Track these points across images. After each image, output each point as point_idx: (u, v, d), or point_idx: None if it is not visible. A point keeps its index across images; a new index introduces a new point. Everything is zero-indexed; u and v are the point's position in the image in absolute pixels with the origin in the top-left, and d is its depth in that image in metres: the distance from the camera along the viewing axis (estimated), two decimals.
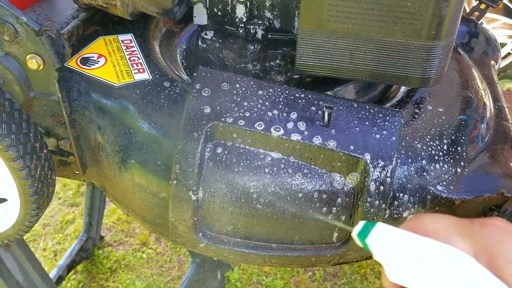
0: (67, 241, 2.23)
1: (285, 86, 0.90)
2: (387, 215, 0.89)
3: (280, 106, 0.86)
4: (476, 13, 1.30)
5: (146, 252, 2.19)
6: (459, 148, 0.95)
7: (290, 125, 0.85)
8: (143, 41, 1.05)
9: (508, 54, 1.61)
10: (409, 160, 0.90)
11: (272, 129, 0.84)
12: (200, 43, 1.06)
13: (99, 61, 0.98)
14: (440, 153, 0.93)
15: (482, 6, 1.28)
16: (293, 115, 0.86)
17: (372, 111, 0.87)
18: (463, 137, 0.97)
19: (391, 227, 0.60)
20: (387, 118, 0.86)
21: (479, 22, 1.32)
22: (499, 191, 0.91)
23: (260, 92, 0.88)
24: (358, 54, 0.87)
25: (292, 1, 0.94)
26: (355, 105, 0.88)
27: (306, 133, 0.84)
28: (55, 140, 1.02)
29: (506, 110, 1.12)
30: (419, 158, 0.91)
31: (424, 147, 0.92)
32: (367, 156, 0.83)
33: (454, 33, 0.84)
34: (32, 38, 0.88)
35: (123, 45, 1.02)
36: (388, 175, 0.84)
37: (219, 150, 0.86)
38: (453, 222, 0.60)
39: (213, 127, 0.85)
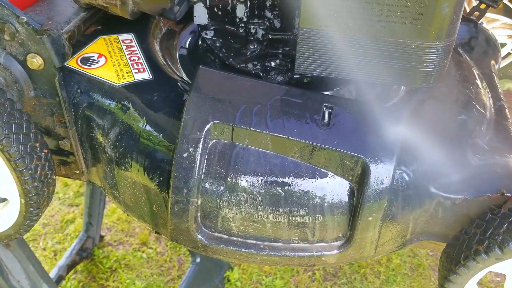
0: (67, 241, 2.23)
1: (285, 86, 0.90)
2: (387, 216, 0.89)
3: (280, 106, 0.86)
4: (476, 13, 1.30)
5: (146, 252, 2.19)
6: (459, 148, 0.95)
7: (290, 124, 0.85)
8: (144, 41, 1.05)
9: (508, 54, 1.62)
10: (409, 160, 0.90)
11: (272, 129, 0.84)
12: (200, 43, 1.06)
13: (99, 61, 0.98)
14: (440, 153, 0.93)
15: (482, 6, 1.28)
16: (293, 115, 0.86)
17: (372, 111, 0.87)
18: (463, 137, 0.97)
19: None
20: (388, 118, 0.86)
21: (479, 22, 1.32)
22: (499, 191, 0.91)
23: (261, 92, 0.88)
24: (358, 54, 0.87)
25: (292, 1, 0.94)
26: (355, 105, 0.88)
27: (306, 132, 0.84)
28: (55, 139, 1.03)
29: (506, 110, 1.12)
30: (419, 158, 0.91)
31: (424, 147, 0.92)
32: (367, 156, 0.83)
33: (454, 33, 0.84)
34: (32, 38, 0.88)
35: (124, 45, 1.02)
36: (388, 175, 0.84)
37: (219, 149, 0.86)
38: None
39: (213, 126, 0.85)
